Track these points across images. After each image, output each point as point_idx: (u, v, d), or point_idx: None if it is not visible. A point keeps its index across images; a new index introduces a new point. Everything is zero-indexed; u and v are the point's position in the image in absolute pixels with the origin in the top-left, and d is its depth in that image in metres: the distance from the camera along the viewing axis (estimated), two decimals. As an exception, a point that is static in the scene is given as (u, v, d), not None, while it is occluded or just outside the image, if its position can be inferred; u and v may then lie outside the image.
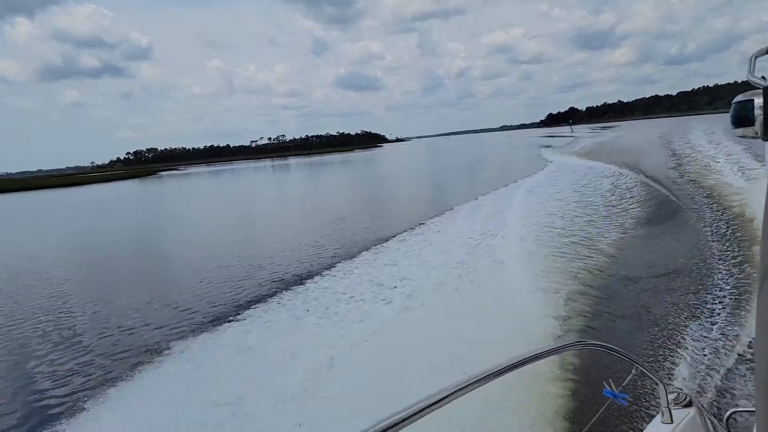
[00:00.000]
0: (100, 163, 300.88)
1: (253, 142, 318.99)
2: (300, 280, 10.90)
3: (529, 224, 13.41)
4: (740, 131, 1.16)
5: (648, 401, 4.34)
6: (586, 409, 4.50)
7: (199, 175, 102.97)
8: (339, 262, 11.92)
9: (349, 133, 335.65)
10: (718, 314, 6.52)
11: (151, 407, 6.04)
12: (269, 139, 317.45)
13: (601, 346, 1.62)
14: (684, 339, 5.94)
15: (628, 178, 19.83)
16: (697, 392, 4.72)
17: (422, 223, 15.79)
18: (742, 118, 1.14)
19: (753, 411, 1.51)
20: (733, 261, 8.43)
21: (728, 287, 7.38)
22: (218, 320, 8.84)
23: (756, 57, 1.15)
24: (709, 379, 4.99)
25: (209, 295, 10.73)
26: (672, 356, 5.56)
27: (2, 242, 24.27)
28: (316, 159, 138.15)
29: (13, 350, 8.76)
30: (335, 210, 23.86)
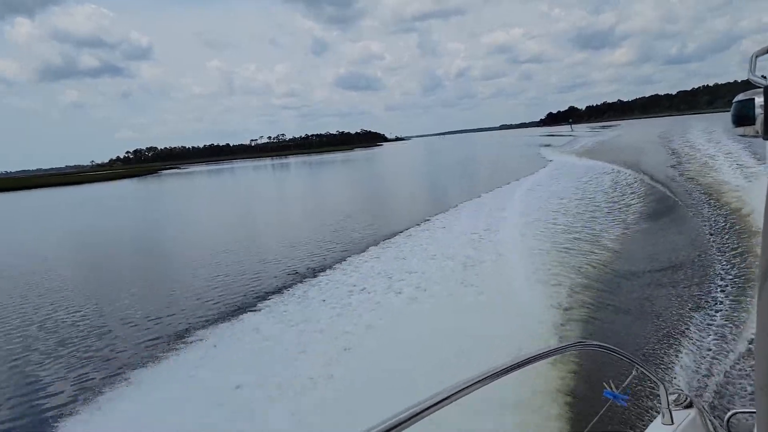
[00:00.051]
0: (100, 162, 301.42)
1: (253, 141, 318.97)
2: (313, 272, 11.33)
3: (532, 221, 13.65)
4: (741, 130, 1.17)
5: (648, 402, 4.33)
6: (587, 409, 4.48)
7: (201, 173, 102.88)
8: (349, 256, 12.38)
9: (349, 132, 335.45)
10: (719, 315, 6.51)
11: (172, 391, 6.39)
12: (269, 138, 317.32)
13: (602, 346, 1.61)
14: (684, 340, 5.94)
15: (629, 176, 19.94)
16: (698, 393, 4.72)
17: (427, 220, 16.18)
18: (743, 117, 1.14)
19: (754, 412, 1.51)
20: (733, 261, 8.41)
21: (728, 287, 7.36)
22: (238, 310, 9.29)
23: (756, 56, 1.15)
24: (709, 380, 4.98)
25: (227, 287, 11.18)
26: (672, 357, 5.56)
27: (20, 242, 24.19)
28: (316, 158, 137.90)
29: (47, 340, 9.05)
30: (342, 207, 24.32)
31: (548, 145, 55.08)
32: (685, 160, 22.24)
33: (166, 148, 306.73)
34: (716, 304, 6.88)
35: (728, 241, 9.45)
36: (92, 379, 7.23)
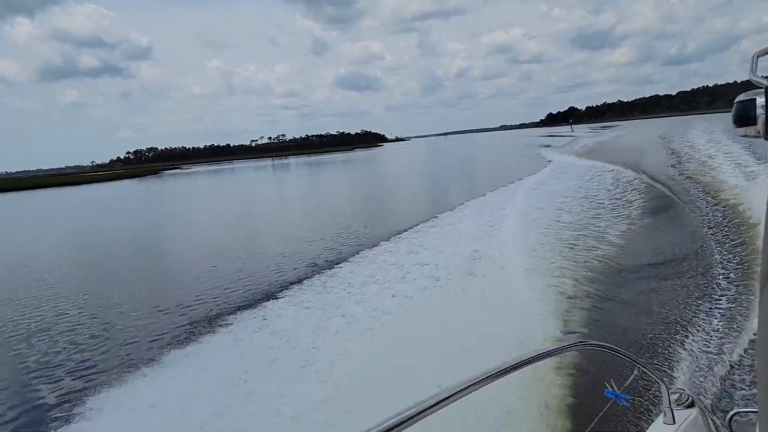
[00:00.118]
0: (100, 162, 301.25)
1: (253, 141, 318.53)
2: (330, 265, 11.88)
3: (535, 219, 13.96)
4: (742, 130, 1.17)
5: (650, 402, 4.34)
6: (588, 409, 4.49)
7: (203, 174, 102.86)
8: (362, 250, 12.91)
9: (349, 133, 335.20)
10: (720, 314, 6.51)
11: (190, 376, 6.72)
12: (269, 138, 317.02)
13: (603, 346, 1.62)
14: (686, 339, 5.94)
15: (629, 176, 20.00)
16: (700, 393, 4.72)
17: (435, 217, 16.61)
18: (745, 118, 1.15)
19: (756, 412, 1.51)
20: (734, 261, 8.38)
21: (730, 287, 7.36)
22: (258, 300, 9.74)
23: (758, 56, 1.16)
24: (711, 379, 4.98)
25: (247, 279, 11.68)
26: (674, 356, 5.56)
27: (25, 241, 24.33)
28: (317, 158, 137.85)
29: (54, 336, 9.24)
30: (351, 205, 24.94)
31: (548, 146, 55.04)
32: (685, 159, 22.29)
33: (166, 148, 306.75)
34: (718, 303, 6.89)
35: (730, 241, 9.45)
36: (109, 369, 7.51)
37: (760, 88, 1.10)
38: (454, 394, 1.03)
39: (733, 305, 6.69)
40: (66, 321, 10.06)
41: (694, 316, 6.57)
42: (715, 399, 4.60)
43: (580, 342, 1.64)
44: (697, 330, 6.15)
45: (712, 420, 1.91)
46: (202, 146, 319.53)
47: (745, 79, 1.16)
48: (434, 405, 0.97)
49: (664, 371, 5.17)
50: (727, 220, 10.98)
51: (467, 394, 1.06)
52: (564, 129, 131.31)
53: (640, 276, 8.75)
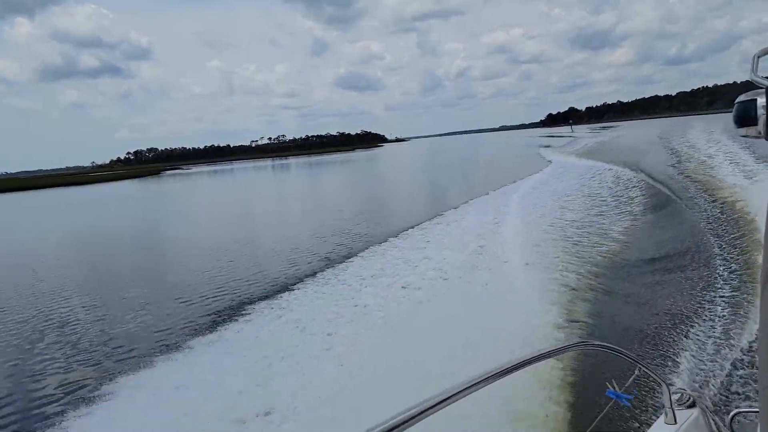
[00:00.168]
0: (100, 162, 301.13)
1: (253, 141, 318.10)
2: (342, 259, 12.33)
3: (538, 217, 14.30)
4: (743, 131, 1.18)
5: (651, 402, 4.34)
6: (589, 409, 4.49)
7: (204, 174, 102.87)
8: (371, 245, 13.37)
9: (349, 133, 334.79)
10: (722, 314, 6.52)
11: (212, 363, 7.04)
12: (269, 138, 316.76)
13: (604, 346, 1.62)
14: (687, 339, 5.95)
15: (630, 176, 20.09)
16: (701, 393, 4.72)
17: (440, 214, 17.00)
18: (745, 118, 1.15)
19: (757, 411, 1.51)
20: (736, 261, 8.38)
21: (732, 287, 7.37)
22: (276, 292, 10.20)
23: (758, 57, 1.16)
24: (712, 379, 4.99)
25: (263, 273, 12.15)
26: (675, 357, 5.56)
27: (32, 241, 24.43)
28: (318, 159, 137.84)
29: (60, 335, 9.43)
30: (357, 205, 25.39)
31: (548, 146, 55.14)
32: (685, 159, 22.37)
33: (166, 148, 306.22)
34: (719, 303, 6.91)
35: (731, 242, 9.44)
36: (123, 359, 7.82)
37: (761, 88, 1.10)
38: (455, 394, 1.03)
39: (735, 306, 6.71)
40: (95, 313, 10.50)
41: (695, 316, 6.58)
42: (716, 399, 4.61)
43: (582, 342, 1.64)
44: (698, 330, 6.18)
45: (713, 420, 1.92)
46: (202, 146, 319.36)
47: (745, 80, 1.16)
48: (436, 405, 0.97)
49: (666, 371, 5.18)
50: (727, 218, 11.00)
51: (469, 394, 1.06)
52: (564, 129, 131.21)
53: (641, 276, 8.76)
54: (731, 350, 5.51)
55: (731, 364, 5.19)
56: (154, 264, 16.01)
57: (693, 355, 5.55)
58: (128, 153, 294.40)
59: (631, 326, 6.71)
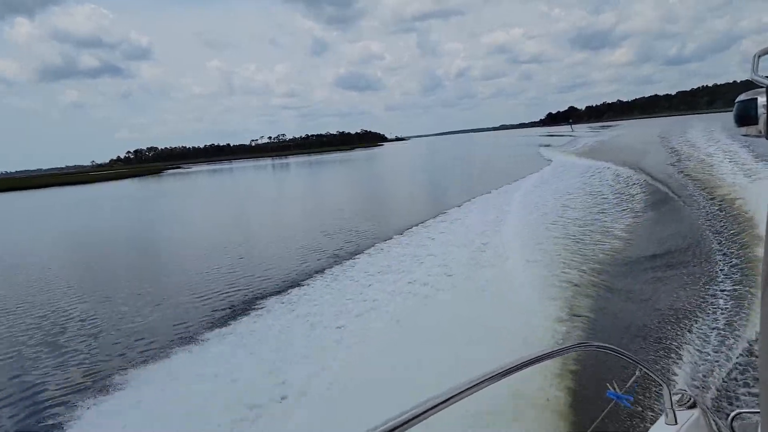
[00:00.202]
0: (100, 162, 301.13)
1: (253, 141, 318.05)
2: (350, 255, 12.65)
3: (541, 214, 14.58)
4: (744, 130, 1.18)
5: (652, 402, 4.34)
6: (590, 410, 4.50)
7: (204, 173, 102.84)
8: (377, 242, 13.71)
9: (349, 132, 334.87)
10: (722, 315, 6.53)
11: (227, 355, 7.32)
12: (269, 138, 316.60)
13: (605, 347, 1.62)
14: (688, 340, 5.95)
15: (630, 175, 20.19)
16: (701, 393, 4.72)
17: (444, 212, 17.31)
18: (746, 117, 1.15)
19: (758, 412, 1.50)
20: (737, 261, 8.37)
21: (732, 288, 7.37)
22: (288, 287, 10.54)
23: (759, 56, 1.16)
24: (713, 380, 4.99)
25: (274, 269, 12.48)
26: (676, 357, 5.56)
27: (32, 240, 24.56)
28: (318, 158, 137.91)
29: (70, 331, 9.68)
30: (360, 204, 25.73)
31: (548, 145, 55.22)
32: (685, 157, 22.39)
33: (166, 148, 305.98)
34: (720, 304, 6.91)
35: (731, 242, 9.43)
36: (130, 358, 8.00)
37: (761, 87, 1.10)
38: (456, 395, 1.03)
39: (736, 306, 6.72)
40: (117, 309, 10.75)
41: (696, 317, 6.59)
42: (716, 400, 4.60)
43: (582, 343, 1.64)
44: (699, 330, 6.18)
45: (713, 421, 1.91)
46: (202, 146, 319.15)
47: (744, 79, 1.16)
48: (437, 405, 0.97)
49: (666, 372, 5.17)
50: (727, 218, 11.00)
51: (470, 395, 1.06)
52: (564, 128, 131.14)
53: (642, 276, 8.81)
54: (732, 350, 5.51)
55: (732, 365, 5.19)
56: (167, 262, 16.33)
57: (693, 356, 5.55)
58: (128, 152, 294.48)
59: (632, 324, 6.73)
